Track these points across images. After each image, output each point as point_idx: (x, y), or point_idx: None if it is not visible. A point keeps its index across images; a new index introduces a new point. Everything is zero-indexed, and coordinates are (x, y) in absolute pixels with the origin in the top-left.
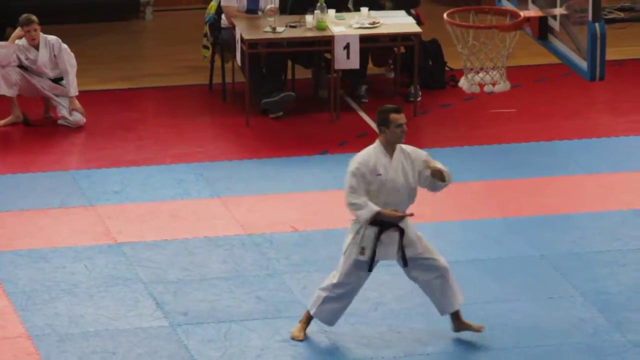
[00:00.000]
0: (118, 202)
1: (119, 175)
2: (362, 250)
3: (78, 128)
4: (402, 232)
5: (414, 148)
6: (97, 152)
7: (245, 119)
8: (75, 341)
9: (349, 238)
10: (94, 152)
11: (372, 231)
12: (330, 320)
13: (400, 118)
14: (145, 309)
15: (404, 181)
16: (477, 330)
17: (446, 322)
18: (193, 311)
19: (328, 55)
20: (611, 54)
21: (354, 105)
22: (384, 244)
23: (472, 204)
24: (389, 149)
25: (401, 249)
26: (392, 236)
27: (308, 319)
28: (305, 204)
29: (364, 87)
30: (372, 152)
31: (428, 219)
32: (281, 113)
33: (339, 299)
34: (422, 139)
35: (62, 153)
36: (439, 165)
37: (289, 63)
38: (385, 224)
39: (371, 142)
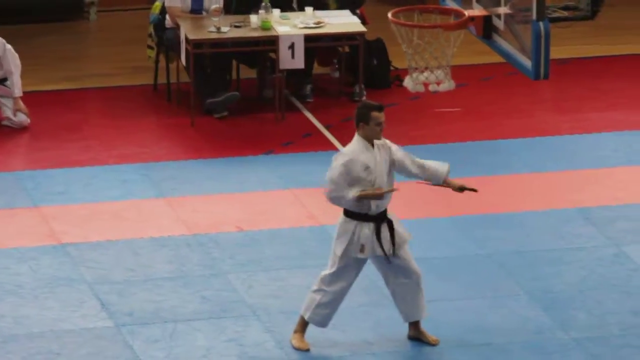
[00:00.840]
0: (62, 202)
1: (64, 176)
2: (361, 248)
3: (22, 129)
4: (390, 224)
5: (383, 139)
6: (42, 153)
7: (190, 119)
8: (20, 342)
9: (342, 239)
10: (38, 152)
11: (368, 228)
12: (325, 322)
13: (381, 116)
14: (90, 310)
15: (387, 174)
16: (432, 343)
17: (391, 322)
18: (138, 311)
19: (273, 55)
20: (555, 53)
21: (299, 105)
22: (384, 238)
23: (418, 203)
24: (369, 144)
25: (392, 241)
26: (385, 230)
27: (303, 325)
28: (251, 203)
29: (309, 87)
30: (357, 148)
31: None
32: (226, 113)
33: (333, 300)
34: None
35: (6, 154)
36: (457, 184)
37: (234, 63)
38: (378, 219)
39: (316, 142)
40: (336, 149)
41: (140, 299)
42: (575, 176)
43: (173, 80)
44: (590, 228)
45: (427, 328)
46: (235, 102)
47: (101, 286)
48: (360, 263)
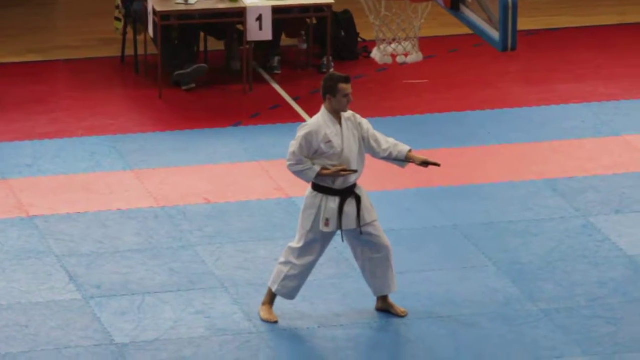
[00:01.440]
0: (30, 175)
1: (31, 148)
2: (326, 222)
3: None
4: (358, 199)
5: (352, 112)
6: (9, 125)
7: (158, 91)
8: None
9: (308, 212)
10: (5, 125)
11: (333, 202)
12: (292, 294)
13: (348, 88)
14: (58, 282)
15: (357, 148)
16: (400, 314)
17: (359, 294)
18: (106, 284)
19: (240, 27)
20: (523, 24)
21: (266, 76)
22: (347, 214)
23: (385, 175)
24: (336, 116)
25: (359, 216)
26: (351, 205)
27: (272, 297)
28: (219, 176)
29: (276, 59)
30: (321, 121)
31: None
32: (194, 85)
33: (301, 273)
34: None
35: None
36: (421, 158)
37: (202, 35)
38: (344, 193)
39: (284, 114)
40: (303, 120)
41: (108, 271)
42: (543, 148)
43: (141, 52)
44: (558, 199)
45: (395, 299)
46: (203, 74)
47: (69, 258)
48: (328, 236)
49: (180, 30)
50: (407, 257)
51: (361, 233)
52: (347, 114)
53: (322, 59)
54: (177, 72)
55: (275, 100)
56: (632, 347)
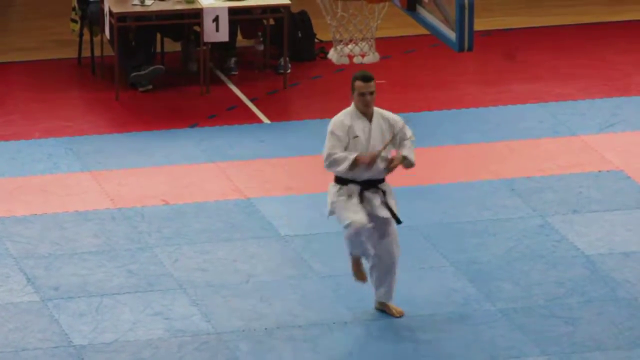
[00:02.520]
0: None
1: None
2: (349, 194)
3: None
4: (383, 193)
5: (392, 114)
6: None
7: (114, 92)
8: None
9: (331, 200)
10: None
11: (355, 187)
12: (365, 250)
13: (364, 87)
14: (16, 284)
15: (381, 145)
16: (395, 315)
17: (317, 295)
18: (64, 285)
19: (197, 28)
20: (479, 25)
21: (223, 78)
22: (368, 197)
23: None
24: (362, 113)
25: (387, 207)
26: (375, 195)
27: (356, 262)
28: (176, 177)
29: (233, 60)
30: (347, 115)
31: (299, 192)
32: (151, 86)
33: (358, 229)
34: (292, 110)
35: None
36: (405, 152)
37: (158, 36)
38: (366, 184)
39: (241, 115)
40: (261, 122)
41: (66, 273)
42: (500, 148)
43: (97, 54)
44: (515, 199)
45: (353, 300)
46: (159, 75)
47: (27, 260)
48: (357, 205)
49: (137, 31)
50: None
51: (398, 222)
52: (388, 114)
53: (279, 60)
54: (133, 74)
55: (232, 101)
56: (590, 347)
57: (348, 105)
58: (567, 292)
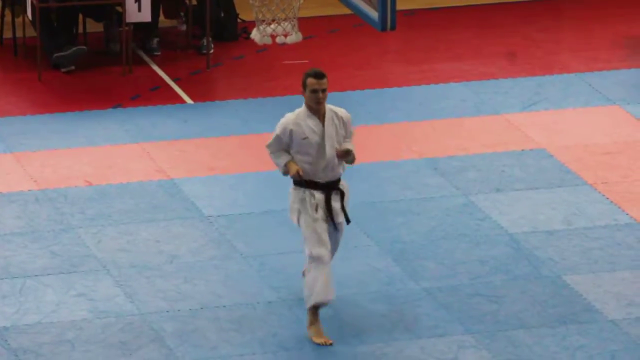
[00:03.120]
0: None
1: None
2: (316, 207)
3: None
4: (342, 194)
5: (341, 109)
6: None
7: (37, 73)
8: None
9: (295, 207)
10: None
11: (320, 194)
12: (327, 295)
13: (315, 84)
14: None
15: (336, 143)
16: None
17: (241, 275)
18: None
19: (119, 9)
20: (402, 4)
21: (146, 58)
22: (334, 207)
23: (265, 156)
24: (314, 111)
25: (344, 210)
26: (336, 199)
27: (314, 315)
28: (99, 158)
29: (155, 40)
30: (296, 115)
31: (223, 171)
32: (73, 67)
33: (320, 270)
34: (215, 91)
35: None
36: (348, 146)
37: (80, 17)
38: (327, 187)
39: (164, 95)
40: (184, 102)
41: None
42: (424, 127)
43: (19, 34)
44: (438, 178)
45: (277, 280)
46: (82, 56)
47: None
48: (322, 225)
49: (59, 12)
50: (290, 238)
51: (348, 222)
52: (340, 110)
53: (201, 40)
54: (56, 55)
55: (155, 81)
56: (514, 325)
57: (270, 84)
58: (491, 270)
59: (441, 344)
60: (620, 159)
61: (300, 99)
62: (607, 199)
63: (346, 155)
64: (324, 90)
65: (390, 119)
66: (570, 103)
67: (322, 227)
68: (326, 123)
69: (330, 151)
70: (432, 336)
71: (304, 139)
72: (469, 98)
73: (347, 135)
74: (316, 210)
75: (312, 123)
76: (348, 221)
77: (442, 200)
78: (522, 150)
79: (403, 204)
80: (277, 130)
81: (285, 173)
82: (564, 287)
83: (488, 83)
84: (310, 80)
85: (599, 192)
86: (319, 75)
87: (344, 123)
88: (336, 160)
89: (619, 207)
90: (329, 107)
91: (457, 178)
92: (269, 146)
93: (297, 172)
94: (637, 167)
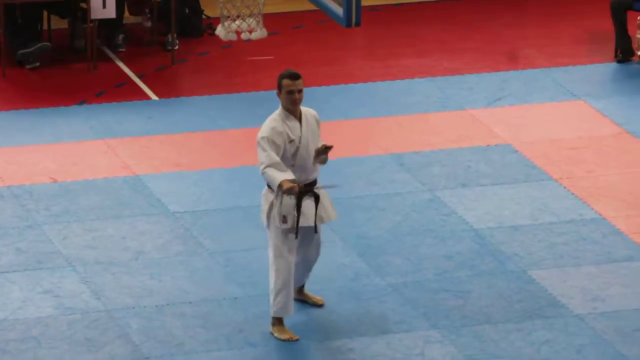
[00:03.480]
0: None
1: None
2: (284, 219)
3: None
4: (317, 198)
5: (310, 109)
6: None
7: (1, 70)
8: None
9: (265, 209)
10: None
11: (290, 199)
12: (287, 308)
13: (291, 84)
14: None
15: (314, 146)
16: (318, 303)
17: (207, 271)
18: None
19: (84, 5)
20: (367, 0)
21: (111, 54)
22: (304, 211)
23: (232, 151)
24: (292, 112)
25: (315, 214)
26: (309, 202)
27: (278, 321)
28: (64, 154)
29: (121, 36)
30: (277, 118)
31: (188, 167)
32: (38, 64)
33: (283, 283)
34: (180, 87)
35: None
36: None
37: (45, 13)
38: (301, 192)
39: (129, 92)
40: (149, 98)
41: None
42: (389, 122)
43: None
44: (404, 174)
45: (243, 276)
46: (47, 52)
47: None
48: (286, 233)
49: (23, 8)
50: (255, 234)
51: (316, 231)
52: (312, 112)
53: (166, 37)
54: (20, 51)
55: (120, 78)
56: (480, 320)
57: (235, 80)
58: (456, 265)
59: (407, 339)
60: (585, 154)
61: (265, 95)
62: (573, 194)
63: (326, 151)
64: (300, 91)
65: (356, 115)
66: (535, 98)
67: (290, 238)
68: (303, 124)
69: (307, 153)
70: (398, 331)
71: (291, 141)
72: (434, 93)
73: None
74: (284, 221)
75: (291, 125)
76: (315, 230)
77: (408, 196)
78: (488, 145)
79: (368, 200)
80: (267, 135)
81: (281, 189)
82: (530, 282)
83: (453, 79)
84: (285, 82)
85: (564, 188)
86: (294, 76)
87: (317, 122)
88: (311, 162)
89: (584, 202)
90: (304, 109)
91: (422, 173)
92: (263, 162)
93: (294, 188)
94: (602, 162)
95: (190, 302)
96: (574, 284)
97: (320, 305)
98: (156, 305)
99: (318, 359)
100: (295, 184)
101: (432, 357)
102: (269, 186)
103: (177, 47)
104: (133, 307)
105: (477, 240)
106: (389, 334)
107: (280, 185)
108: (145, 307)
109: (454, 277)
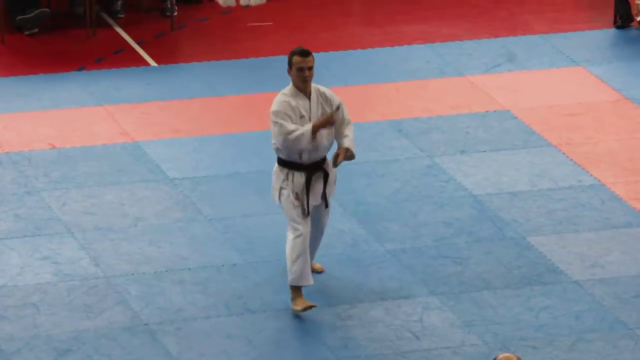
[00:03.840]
0: None
1: None
2: (296, 196)
3: None
4: (326, 175)
5: (327, 89)
6: None
7: (0, 36)
8: None
9: (276, 187)
10: None
11: (300, 177)
12: (305, 277)
13: (302, 62)
14: None
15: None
16: (317, 270)
17: (205, 237)
18: None
19: None
20: None
21: (110, 21)
22: (314, 190)
23: (231, 118)
24: (302, 89)
25: (324, 190)
26: (318, 180)
27: (296, 290)
28: (63, 120)
29: (119, 3)
30: (287, 94)
31: (187, 134)
32: (37, 30)
33: (300, 252)
34: (179, 53)
35: None
36: (345, 146)
37: None
38: (311, 169)
39: (128, 58)
40: (148, 65)
41: None
42: (388, 89)
43: None
44: (403, 140)
45: (241, 242)
46: (45, 18)
47: None
48: (303, 209)
49: None
50: (253, 200)
51: (326, 206)
52: (325, 90)
53: (165, 3)
54: (19, 17)
55: (119, 44)
56: (478, 286)
57: (234, 46)
58: (455, 232)
59: (406, 306)
60: (584, 121)
61: (264, 61)
62: (571, 160)
63: (347, 158)
64: (310, 68)
65: (355, 82)
66: (534, 64)
67: (299, 212)
68: (312, 102)
69: (319, 135)
70: (396, 298)
71: (302, 117)
72: (433, 60)
73: (344, 123)
74: (296, 198)
75: (301, 102)
76: (326, 205)
77: (407, 162)
78: (486, 111)
79: (367, 166)
80: (280, 109)
81: (314, 136)
82: (528, 249)
83: (452, 45)
84: (296, 59)
85: (563, 154)
86: (305, 53)
87: (327, 101)
88: (322, 140)
89: (583, 169)
90: (314, 86)
91: (421, 140)
92: (281, 133)
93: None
94: (601, 128)
95: (189, 269)
96: (573, 250)
97: (320, 272)
98: (155, 272)
99: (317, 325)
100: (327, 114)
101: (431, 323)
102: (280, 163)
103: (176, 13)
104: (132, 274)
105: (476, 206)
106: (388, 300)
107: (313, 129)
108: (144, 273)
109: (453, 243)
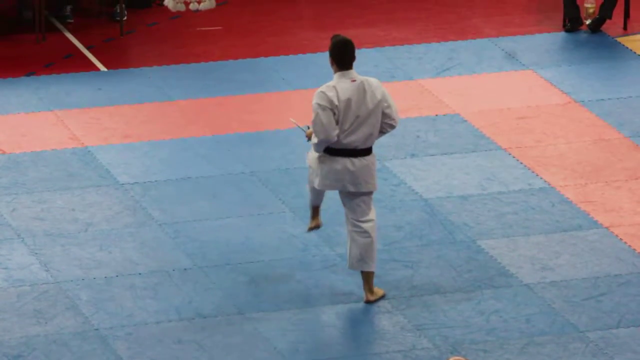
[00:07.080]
0: None
1: None
2: (326, 184)
3: None
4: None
5: (375, 81)
6: None
7: None
8: None
9: (310, 170)
10: None
11: (337, 163)
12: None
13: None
14: None
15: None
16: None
17: (156, 242)
18: None
19: None
20: None
21: (59, 25)
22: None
23: (180, 123)
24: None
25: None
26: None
27: (315, 210)
28: (12, 126)
29: (69, 7)
30: (335, 84)
31: (137, 139)
32: None
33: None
34: (129, 58)
35: None
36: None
37: None
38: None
39: (78, 63)
40: (98, 70)
41: None
42: None
43: None
44: None
45: (192, 247)
46: None
47: None
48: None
49: None
50: (205, 205)
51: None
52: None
53: (114, 7)
54: None
55: (68, 49)
56: (429, 290)
57: (183, 50)
58: (405, 235)
59: (357, 310)
60: (534, 124)
61: (214, 65)
62: (521, 163)
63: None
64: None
65: (304, 85)
66: (483, 68)
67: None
68: (359, 89)
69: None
70: (347, 302)
71: (349, 107)
72: (383, 64)
73: (383, 103)
74: (326, 185)
75: (352, 93)
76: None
77: None
78: (436, 115)
79: None
80: (328, 96)
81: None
82: (479, 252)
83: (401, 48)
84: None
85: (513, 157)
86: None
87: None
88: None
89: (533, 172)
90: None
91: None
92: (319, 130)
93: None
94: (550, 131)
95: (140, 274)
96: (523, 254)
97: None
98: (105, 277)
99: (267, 329)
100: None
101: (382, 327)
102: (325, 151)
103: (125, 18)
104: (82, 279)
105: (427, 210)
106: (339, 304)
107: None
108: (94, 278)
109: (403, 247)
